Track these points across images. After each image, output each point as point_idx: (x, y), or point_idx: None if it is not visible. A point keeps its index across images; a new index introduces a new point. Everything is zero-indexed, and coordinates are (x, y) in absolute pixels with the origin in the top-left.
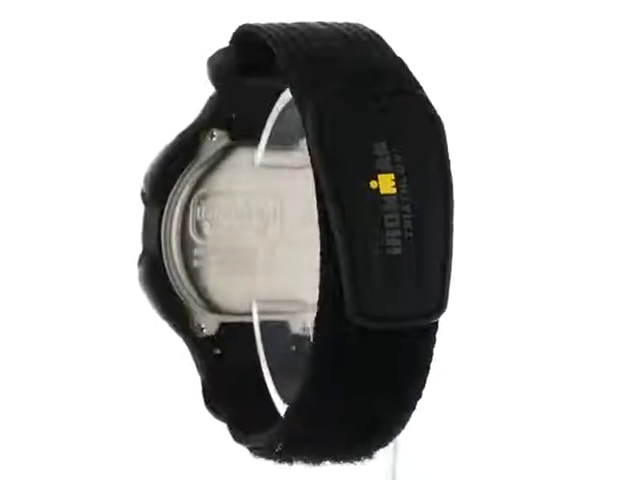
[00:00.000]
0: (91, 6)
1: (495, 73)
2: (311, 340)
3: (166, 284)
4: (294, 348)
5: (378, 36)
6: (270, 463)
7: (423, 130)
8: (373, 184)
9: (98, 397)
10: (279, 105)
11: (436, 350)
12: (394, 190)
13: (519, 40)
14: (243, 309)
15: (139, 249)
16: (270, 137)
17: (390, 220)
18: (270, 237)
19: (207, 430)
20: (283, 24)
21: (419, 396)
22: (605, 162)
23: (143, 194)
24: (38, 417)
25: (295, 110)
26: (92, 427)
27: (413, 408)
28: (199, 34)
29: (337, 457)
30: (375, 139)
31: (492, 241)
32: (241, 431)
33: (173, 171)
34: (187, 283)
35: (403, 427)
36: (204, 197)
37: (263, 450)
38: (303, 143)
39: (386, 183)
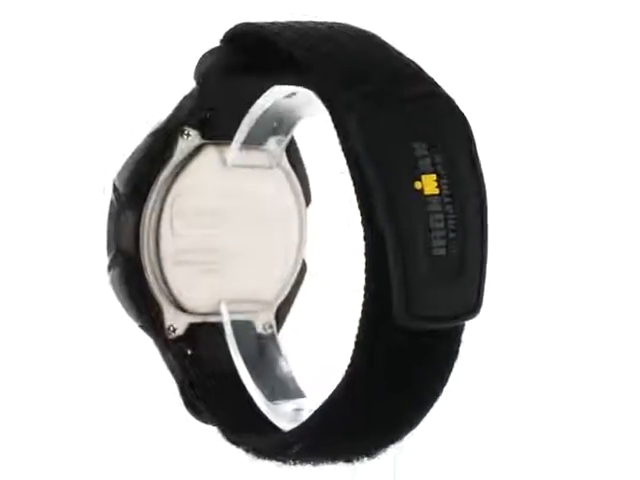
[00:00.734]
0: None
1: (492, 76)
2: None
3: (142, 284)
4: (260, 347)
5: (377, 36)
6: (265, 464)
7: (455, 131)
8: (418, 185)
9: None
10: (257, 108)
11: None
12: (437, 191)
13: (516, 42)
14: (210, 309)
15: (105, 249)
16: (244, 138)
17: (435, 221)
18: (236, 237)
19: (192, 433)
20: (282, 22)
21: (441, 394)
22: (605, 162)
23: (118, 195)
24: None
25: (269, 111)
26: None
27: (432, 406)
28: (182, 33)
29: (354, 456)
30: (415, 140)
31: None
32: (232, 433)
33: (151, 171)
34: (161, 283)
35: (417, 425)
36: (178, 196)
37: (267, 452)
38: (272, 143)
39: (429, 184)
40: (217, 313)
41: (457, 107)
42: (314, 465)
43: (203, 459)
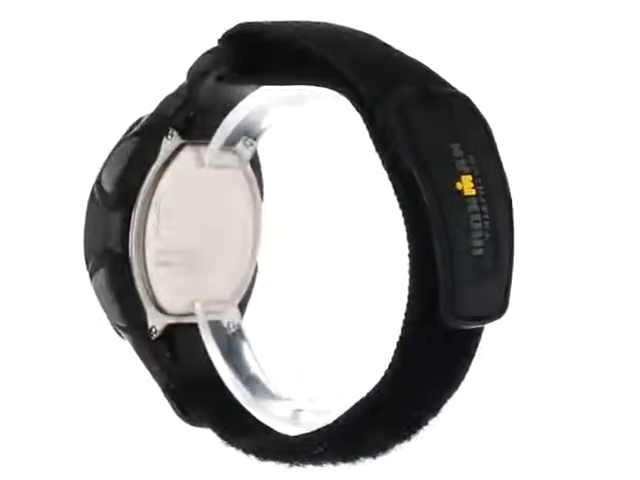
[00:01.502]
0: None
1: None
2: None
3: (128, 285)
4: (233, 347)
5: (374, 36)
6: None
7: (479, 131)
8: (459, 186)
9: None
10: (242, 109)
11: None
12: (474, 191)
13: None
14: (184, 310)
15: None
16: (225, 139)
17: (474, 221)
18: (205, 238)
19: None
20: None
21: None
22: (605, 162)
23: (105, 196)
24: None
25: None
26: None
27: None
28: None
29: (377, 452)
30: (451, 141)
31: None
32: (223, 434)
33: (140, 172)
34: (146, 283)
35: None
36: (164, 196)
37: (267, 452)
38: (241, 145)
39: (467, 184)
40: (191, 314)
41: (475, 106)
42: (329, 465)
43: (197, 460)
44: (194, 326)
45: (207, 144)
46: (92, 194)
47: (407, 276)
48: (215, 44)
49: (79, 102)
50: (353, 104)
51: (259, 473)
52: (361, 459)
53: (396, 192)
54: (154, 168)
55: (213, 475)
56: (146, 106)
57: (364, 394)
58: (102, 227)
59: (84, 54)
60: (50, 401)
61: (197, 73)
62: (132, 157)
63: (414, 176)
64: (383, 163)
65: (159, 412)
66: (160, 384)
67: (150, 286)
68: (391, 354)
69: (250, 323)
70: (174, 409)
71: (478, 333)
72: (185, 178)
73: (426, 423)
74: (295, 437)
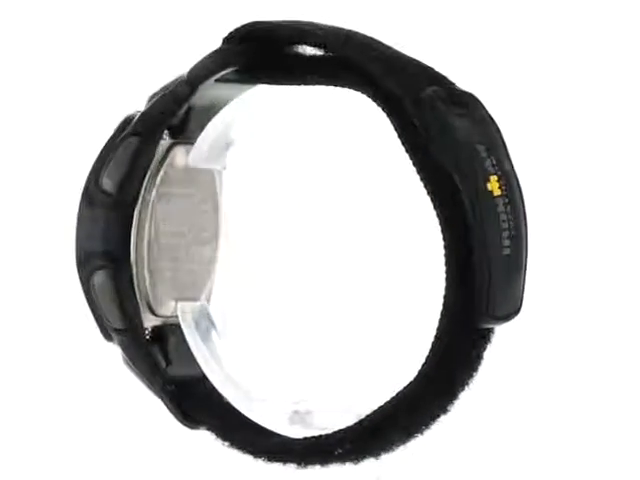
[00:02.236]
0: None
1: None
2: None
3: (129, 287)
4: (212, 346)
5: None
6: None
7: (494, 131)
8: (489, 186)
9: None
10: (231, 109)
11: None
12: (499, 192)
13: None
14: (168, 311)
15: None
16: (211, 139)
17: (503, 221)
18: (191, 238)
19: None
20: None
21: None
22: (605, 162)
23: (105, 196)
24: None
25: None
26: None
27: None
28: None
29: (396, 447)
30: (477, 142)
31: None
32: (222, 436)
33: (142, 173)
34: (142, 284)
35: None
36: (162, 197)
37: (268, 453)
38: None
39: (494, 185)
40: (174, 316)
41: (485, 106)
42: (350, 465)
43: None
44: (179, 327)
45: (191, 144)
46: (88, 195)
47: (433, 274)
48: (215, 44)
49: (79, 102)
50: (376, 101)
51: (259, 473)
52: (381, 456)
53: (427, 188)
54: (152, 169)
55: (213, 475)
56: (130, 105)
57: (394, 393)
58: (102, 228)
59: (84, 54)
60: (50, 401)
61: (202, 74)
62: (134, 157)
63: (450, 174)
64: (412, 159)
65: (159, 412)
66: (156, 387)
67: (146, 288)
68: (426, 353)
69: (232, 322)
70: (173, 413)
71: (493, 330)
72: (175, 179)
73: (438, 419)
74: (310, 438)
